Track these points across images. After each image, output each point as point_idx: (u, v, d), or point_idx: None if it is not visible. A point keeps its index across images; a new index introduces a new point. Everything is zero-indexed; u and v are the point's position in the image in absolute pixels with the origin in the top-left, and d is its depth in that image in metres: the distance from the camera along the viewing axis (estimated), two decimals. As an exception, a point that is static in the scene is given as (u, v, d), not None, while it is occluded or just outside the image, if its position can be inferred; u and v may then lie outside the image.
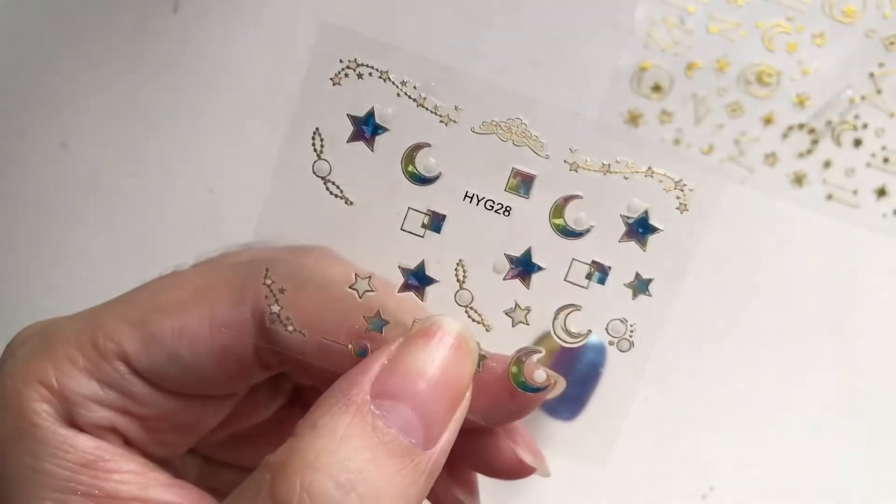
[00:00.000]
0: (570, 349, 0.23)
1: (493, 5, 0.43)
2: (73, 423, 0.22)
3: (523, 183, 0.22)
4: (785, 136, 0.40)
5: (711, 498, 0.40)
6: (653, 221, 0.22)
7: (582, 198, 0.22)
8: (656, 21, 0.41)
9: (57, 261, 0.43)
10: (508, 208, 0.22)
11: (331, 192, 0.22)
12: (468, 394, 0.21)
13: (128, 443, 0.23)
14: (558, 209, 0.22)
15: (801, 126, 0.40)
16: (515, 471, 0.25)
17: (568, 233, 0.22)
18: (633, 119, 0.41)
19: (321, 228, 0.23)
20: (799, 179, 0.40)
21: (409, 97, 0.22)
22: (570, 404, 0.25)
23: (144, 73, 0.44)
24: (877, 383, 0.40)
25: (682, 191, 0.22)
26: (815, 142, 0.40)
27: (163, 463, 0.23)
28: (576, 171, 0.22)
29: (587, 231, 0.22)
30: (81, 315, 0.23)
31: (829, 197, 0.40)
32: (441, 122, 0.22)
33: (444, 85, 0.22)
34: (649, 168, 0.21)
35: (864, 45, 0.40)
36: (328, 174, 0.22)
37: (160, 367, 0.22)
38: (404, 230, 0.22)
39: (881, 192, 0.39)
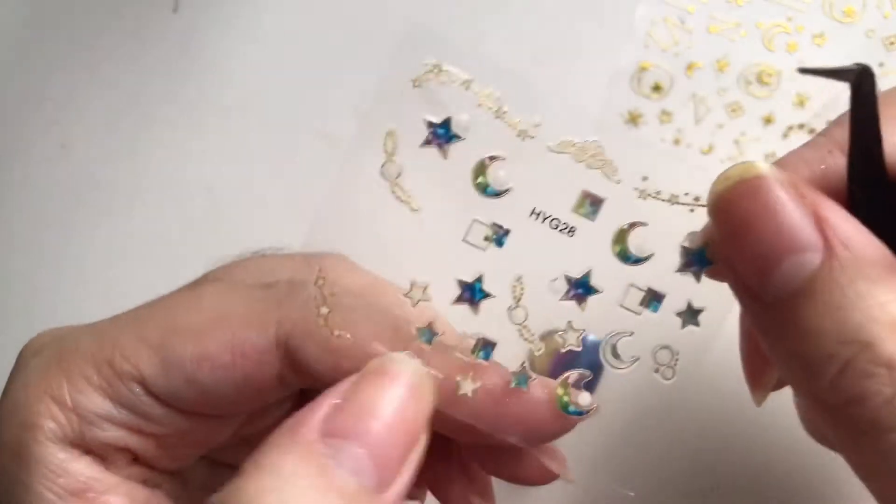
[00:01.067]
0: (569, 351, 0.22)
1: (493, 5, 0.43)
2: (82, 442, 0.21)
3: (591, 205, 0.22)
4: (785, 136, 0.40)
5: (712, 498, 0.40)
6: (710, 256, 0.21)
7: (647, 225, 0.22)
8: (656, 21, 0.41)
9: (56, 261, 0.43)
10: (573, 229, 0.22)
11: (397, 197, 0.22)
12: (424, 437, 0.20)
13: (137, 459, 0.23)
14: (622, 234, 0.22)
15: (801, 126, 0.40)
16: (540, 478, 0.25)
17: (628, 258, 0.22)
18: (633, 119, 0.41)
19: (381, 233, 0.22)
20: (799, 179, 0.40)
21: (489, 108, 0.21)
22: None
23: (144, 73, 0.44)
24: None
25: None
26: (815, 142, 0.40)
27: (171, 472, 0.23)
28: (644, 199, 0.22)
29: (647, 258, 0.22)
30: (96, 330, 0.23)
31: (830, 197, 0.40)
32: (518, 136, 0.21)
33: (527, 100, 0.22)
34: None
35: (864, 45, 0.40)
36: (396, 178, 0.22)
37: (178, 391, 0.22)
38: (466, 241, 0.22)
39: (881, 192, 0.39)
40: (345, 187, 0.22)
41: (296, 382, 0.23)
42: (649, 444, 0.40)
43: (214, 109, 0.43)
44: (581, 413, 0.22)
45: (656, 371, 0.22)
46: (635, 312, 0.22)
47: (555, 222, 0.22)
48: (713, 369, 0.40)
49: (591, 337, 0.22)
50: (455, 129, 0.21)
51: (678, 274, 0.21)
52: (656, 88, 0.42)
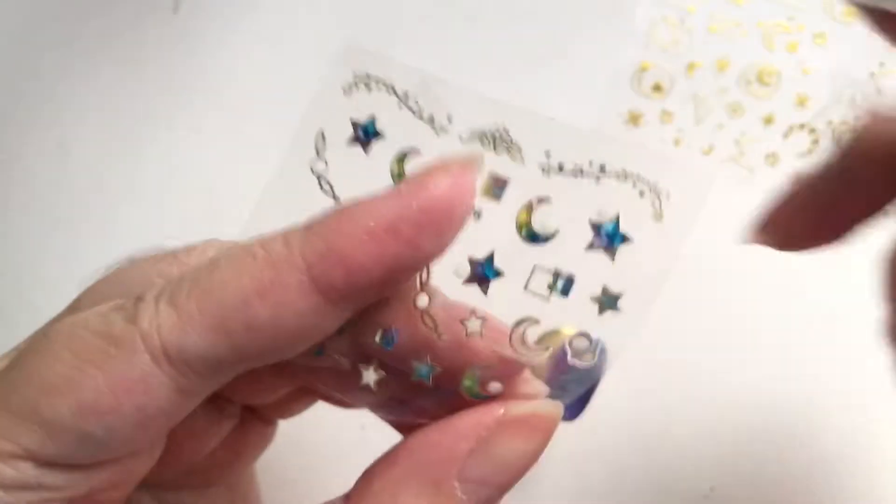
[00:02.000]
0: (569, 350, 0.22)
1: (494, 5, 0.43)
2: None
3: (496, 187, 0.21)
4: (785, 136, 0.40)
5: (712, 498, 0.40)
6: (623, 230, 0.20)
7: (551, 200, 0.21)
8: (656, 21, 0.41)
9: (56, 261, 0.43)
10: (478, 212, 0.21)
11: (322, 189, 0.23)
12: None
13: None
14: (526, 211, 0.21)
15: (801, 126, 0.40)
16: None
17: (533, 237, 0.21)
18: (633, 119, 0.41)
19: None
20: (799, 179, 0.40)
21: (409, 109, 0.22)
22: (572, 405, 0.25)
23: (144, 73, 0.44)
24: (876, 382, 0.40)
25: (657, 196, 0.21)
26: (815, 142, 0.40)
27: None
28: (548, 174, 0.21)
29: (553, 235, 0.21)
30: None
31: (830, 197, 0.40)
32: (433, 131, 0.22)
33: (442, 96, 0.22)
34: (623, 169, 0.21)
35: (865, 45, 0.40)
36: (323, 172, 0.23)
37: (72, 451, 0.20)
38: None
39: (882, 192, 0.39)
40: (280, 183, 0.24)
41: (206, 385, 0.21)
42: (643, 448, 0.40)
43: (214, 109, 0.43)
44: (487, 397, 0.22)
45: (573, 359, 0.21)
46: (542, 296, 0.21)
47: None
48: (704, 365, 0.40)
49: (594, 338, 0.22)
50: (378, 128, 0.22)
51: (589, 253, 0.20)
52: (656, 88, 0.42)
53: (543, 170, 0.21)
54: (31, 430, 0.20)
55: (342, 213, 0.20)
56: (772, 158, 0.40)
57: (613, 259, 0.20)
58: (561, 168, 0.21)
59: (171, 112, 0.43)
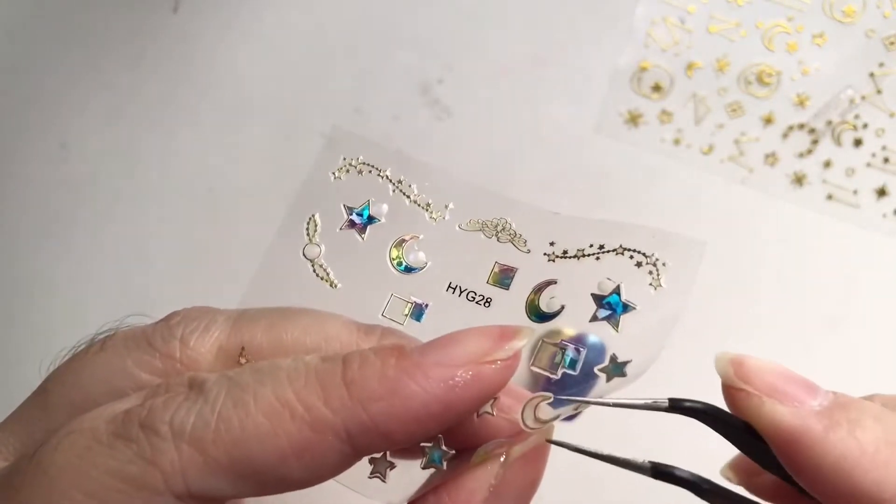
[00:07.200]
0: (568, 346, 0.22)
1: (494, 6, 0.43)
2: None
3: (504, 275, 0.23)
4: (785, 136, 0.40)
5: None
6: (625, 299, 0.21)
7: (557, 283, 0.22)
8: (656, 21, 0.41)
9: (56, 261, 0.43)
10: (489, 300, 0.23)
11: (317, 275, 0.23)
12: None
13: None
14: (534, 293, 0.22)
15: (801, 126, 0.40)
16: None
17: (541, 317, 0.22)
18: (633, 119, 0.41)
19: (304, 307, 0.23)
20: (799, 179, 0.40)
21: (404, 193, 0.23)
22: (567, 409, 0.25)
23: (144, 73, 0.44)
24: (876, 383, 0.40)
25: (654, 266, 0.22)
26: (815, 142, 0.40)
27: None
28: (553, 261, 0.22)
29: (559, 312, 0.22)
30: None
31: (829, 197, 0.40)
32: (431, 218, 0.23)
33: (437, 185, 0.23)
34: (620, 245, 0.22)
35: (864, 45, 0.40)
36: (317, 257, 0.23)
37: None
38: (385, 316, 0.23)
39: (881, 192, 0.39)
40: (271, 268, 0.24)
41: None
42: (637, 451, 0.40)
43: (214, 109, 0.43)
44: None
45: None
46: (550, 374, 0.22)
47: (471, 294, 0.23)
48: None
49: (593, 338, 0.22)
50: (373, 213, 0.23)
51: (593, 324, 0.22)
52: (656, 88, 0.42)
53: (549, 258, 0.23)
54: None
55: (390, 392, 0.19)
56: (771, 158, 0.40)
57: (617, 329, 0.21)
58: (565, 254, 0.23)
59: (171, 112, 0.43)
